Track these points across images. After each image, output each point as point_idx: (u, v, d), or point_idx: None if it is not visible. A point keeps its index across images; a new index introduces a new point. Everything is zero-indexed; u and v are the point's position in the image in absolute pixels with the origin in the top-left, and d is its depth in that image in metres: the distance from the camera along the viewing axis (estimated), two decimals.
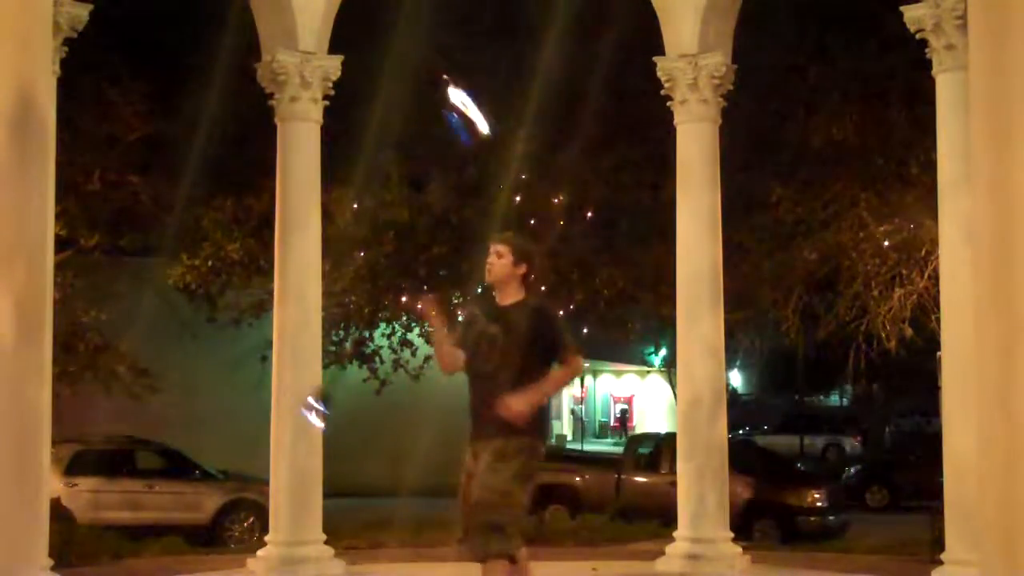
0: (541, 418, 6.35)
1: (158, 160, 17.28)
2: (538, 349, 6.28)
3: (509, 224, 16.43)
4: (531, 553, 6.41)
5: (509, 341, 6.26)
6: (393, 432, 23.02)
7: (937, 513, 11.46)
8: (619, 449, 40.14)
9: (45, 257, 7.68)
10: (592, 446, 41.08)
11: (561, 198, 17.37)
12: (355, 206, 17.10)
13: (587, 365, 44.36)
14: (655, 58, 11.27)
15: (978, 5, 5.56)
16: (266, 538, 10.91)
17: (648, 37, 11.78)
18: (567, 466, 19.23)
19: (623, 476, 18.58)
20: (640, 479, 18.38)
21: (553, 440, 41.34)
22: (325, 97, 11.00)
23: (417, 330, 19.25)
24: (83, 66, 11.68)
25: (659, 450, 18.45)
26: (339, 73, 11.06)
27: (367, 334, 18.98)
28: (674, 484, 16.97)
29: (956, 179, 9.39)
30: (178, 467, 17.86)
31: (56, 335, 10.31)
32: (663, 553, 10.98)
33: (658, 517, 15.25)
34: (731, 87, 11.24)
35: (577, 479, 18.76)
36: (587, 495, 18.37)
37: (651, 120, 13.95)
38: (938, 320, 10.97)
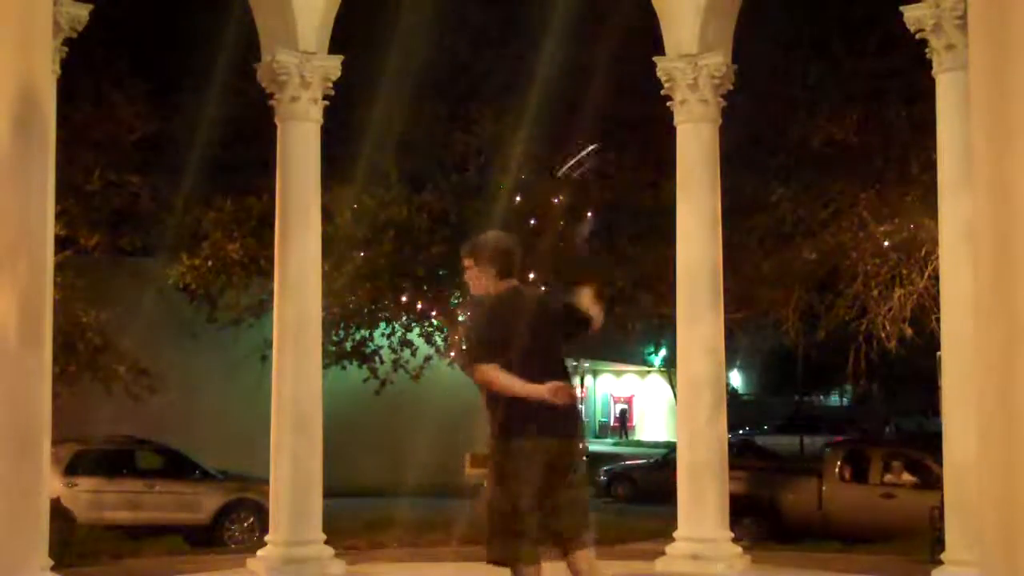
0: (506, 417, 6.21)
1: (158, 160, 17.30)
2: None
3: (509, 224, 16.46)
4: None
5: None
6: (393, 432, 23.03)
7: (937, 513, 11.48)
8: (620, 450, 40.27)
9: (45, 257, 7.68)
10: (592, 446, 41.09)
11: (561, 198, 17.37)
12: (355, 206, 17.11)
13: (587, 365, 44.67)
14: (655, 58, 11.27)
15: (978, 5, 5.56)
16: (266, 538, 10.91)
17: (648, 37, 11.78)
18: (762, 474, 17.59)
19: (826, 487, 16.75)
20: (848, 490, 16.68)
21: None
22: (325, 97, 11.00)
23: (417, 330, 19.26)
24: (83, 66, 11.69)
25: (868, 457, 16.98)
26: (339, 73, 11.06)
27: (367, 334, 18.99)
28: (887, 496, 16.09)
29: (956, 179, 9.39)
30: (178, 467, 17.87)
31: (56, 335, 10.32)
32: (663, 553, 10.97)
33: (870, 535, 14.72)
34: (731, 87, 11.25)
35: (773, 490, 17.15)
36: (787, 507, 16.86)
37: (651, 120, 13.96)
38: (938, 320, 10.98)
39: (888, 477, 16.52)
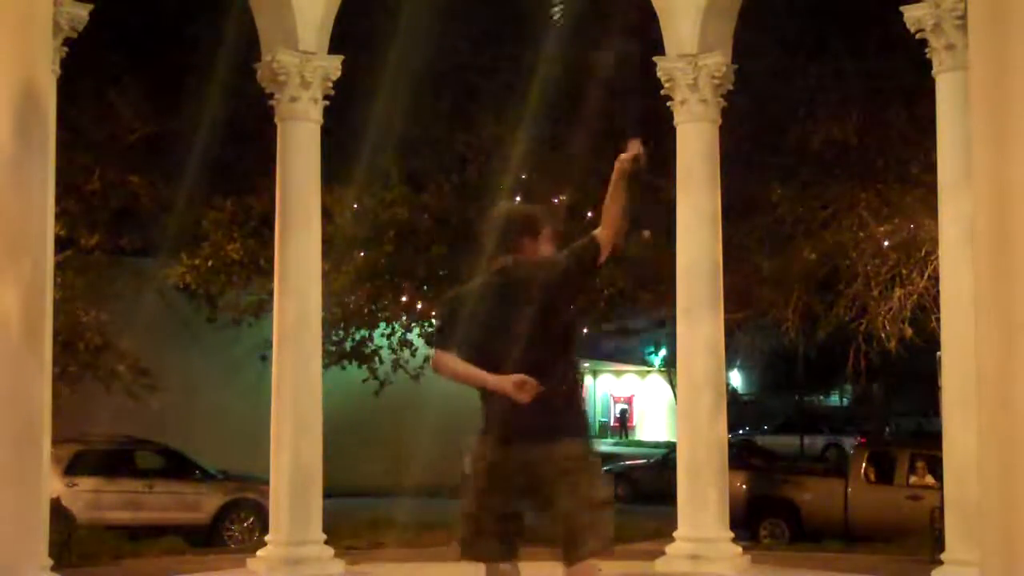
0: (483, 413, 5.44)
1: (158, 160, 17.28)
2: None
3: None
4: (531, 553, 6.28)
5: None
6: (393, 432, 23.02)
7: (937, 513, 11.48)
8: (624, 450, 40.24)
9: (45, 257, 7.68)
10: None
11: (562, 198, 17.36)
12: (355, 206, 17.10)
13: (587, 365, 44.65)
14: (655, 58, 11.28)
15: (978, 5, 5.56)
16: (266, 538, 10.92)
17: (648, 37, 11.78)
18: (785, 476, 17.44)
19: (851, 489, 16.53)
20: (873, 492, 16.41)
21: None
22: (325, 97, 11.01)
23: (417, 330, 19.25)
24: (83, 66, 11.68)
25: (893, 458, 16.72)
26: (339, 73, 11.08)
27: (367, 334, 18.97)
28: (913, 497, 15.55)
29: (956, 179, 9.40)
30: (178, 467, 17.84)
31: (56, 335, 10.31)
32: (663, 553, 10.98)
33: (893, 538, 14.44)
34: (731, 87, 11.25)
35: (796, 492, 16.88)
36: (810, 510, 16.64)
37: (651, 120, 13.94)
38: (938, 320, 10.98)
39: (913, 479, 16.29)
